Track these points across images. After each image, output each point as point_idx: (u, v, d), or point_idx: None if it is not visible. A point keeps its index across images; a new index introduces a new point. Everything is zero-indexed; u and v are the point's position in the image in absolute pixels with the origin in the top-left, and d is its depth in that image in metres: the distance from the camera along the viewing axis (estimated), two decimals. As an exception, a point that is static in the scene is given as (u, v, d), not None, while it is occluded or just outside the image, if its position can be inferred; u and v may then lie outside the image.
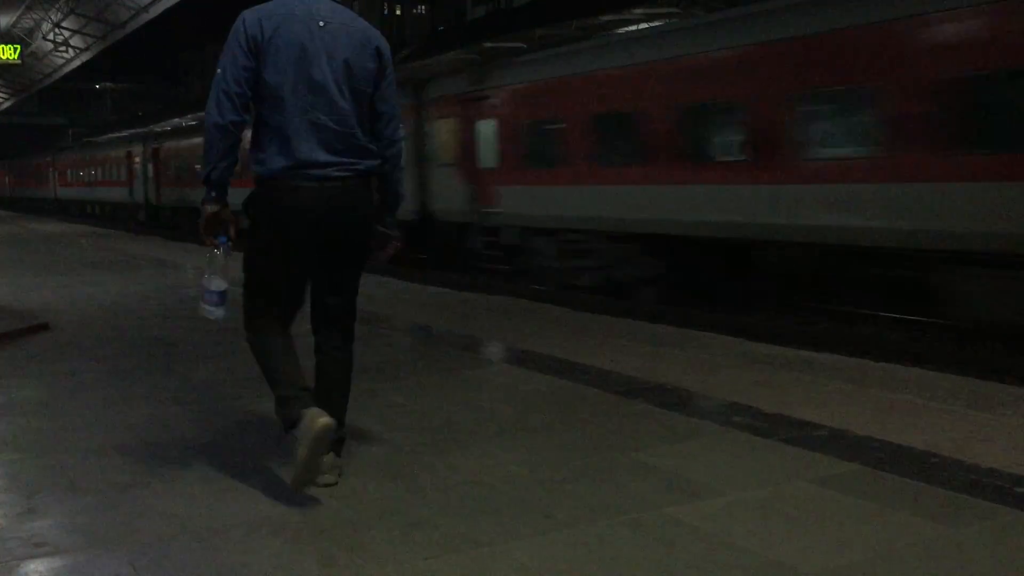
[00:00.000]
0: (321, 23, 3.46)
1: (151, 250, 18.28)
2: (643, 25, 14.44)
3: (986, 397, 4.70)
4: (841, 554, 2.84)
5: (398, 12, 28.95)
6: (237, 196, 3.33)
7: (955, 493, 3.34)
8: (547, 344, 6.51)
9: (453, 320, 7.83)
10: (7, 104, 53.66)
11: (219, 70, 3.45)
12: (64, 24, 32.88)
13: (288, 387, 3.43)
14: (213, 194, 3.50)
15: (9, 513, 3.31)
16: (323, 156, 3.44)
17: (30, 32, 34.33)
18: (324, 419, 3.28)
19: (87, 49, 34.58)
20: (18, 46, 23.39)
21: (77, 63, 36.90)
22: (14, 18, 31.36)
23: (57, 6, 30.79)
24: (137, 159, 34.39)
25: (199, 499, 3.43)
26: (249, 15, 3.45)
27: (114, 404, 5.02)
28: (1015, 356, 8.54)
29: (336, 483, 3.53)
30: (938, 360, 8.26)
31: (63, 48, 35.16)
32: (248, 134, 3.51)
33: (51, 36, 33.78)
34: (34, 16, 32.50)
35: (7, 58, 22.63)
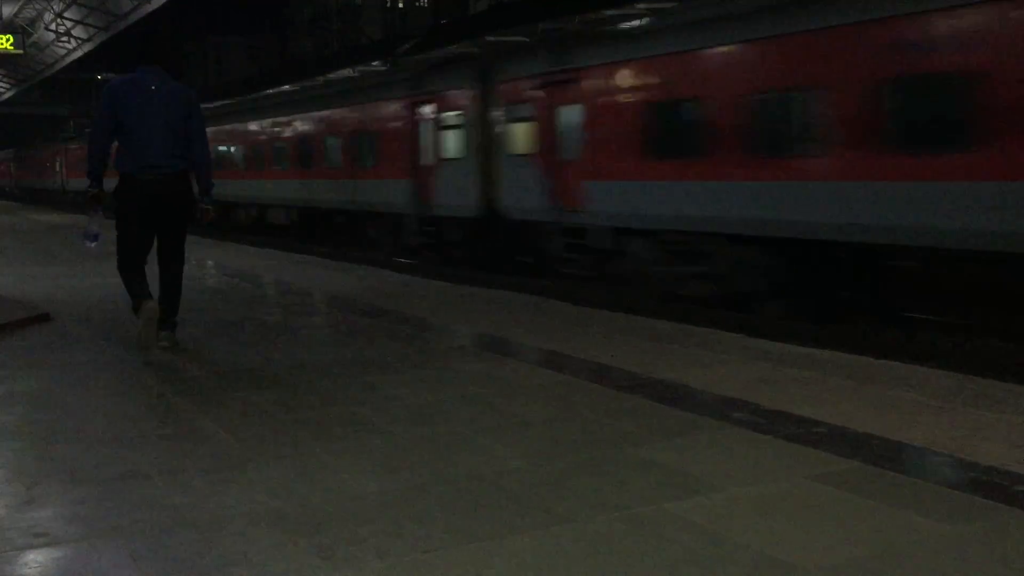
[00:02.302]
0: (152, 87, 6.10)
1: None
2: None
3: (986, 395, 4.70)
4: (840, 551, 2.84)
5: (400, 5, 28.89)
6: None
7: (954, 490, 3.34)
8: (547, 339, 6.51)
9: (454, 314, 7.83)
10: (9, 94, 53.59)
11: (97, 116, 6.19)
12: (66, 15, 32.83)
13: (137, 293, 6.08)
14: (94, 183, 6.14)
15: (9, 503, 3.32)
16: (154, 163, 6.02)
17: (32, 22, 34.28)
18: (151, 304, 6.01)
19: (89, 40, 34.53)
20: (10, 36, 23.31)
21: (79, 54, 36.85)
22: (16, 8, 31.32)
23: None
24: None
25: (199, 490, 3.43)
26: (112, 84, 6.18)
27: (114, 395, 5.03)
28: (1015, 354, 8.54)
29: (170, 347, 6.19)
30: (938, 357, 8.26)
31: (65, 39, 35.11)
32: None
33: (53, 26, 33.73)
34: (36, 6, 32.46)
35: (5, 48, 22.64)
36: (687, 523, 3.06)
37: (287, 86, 25.87)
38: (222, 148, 26.51)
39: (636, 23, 12.69)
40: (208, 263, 13.18)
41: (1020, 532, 2.97)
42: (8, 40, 23.12)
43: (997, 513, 3.12)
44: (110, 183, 5.97)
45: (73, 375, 5.57)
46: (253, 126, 25.18)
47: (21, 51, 25.04)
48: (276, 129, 23.67)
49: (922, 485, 3.42)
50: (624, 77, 12.36)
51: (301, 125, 22.16)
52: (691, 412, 4.50)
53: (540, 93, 13.67)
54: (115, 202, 6.13)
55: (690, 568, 2.73)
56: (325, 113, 20.96)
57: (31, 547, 2.93)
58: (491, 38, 16.58)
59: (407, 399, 4.84)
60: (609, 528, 3.03)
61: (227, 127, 26.41)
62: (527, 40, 15.39)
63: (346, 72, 22.46)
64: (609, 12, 13.26)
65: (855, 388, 4.90)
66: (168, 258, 6.31)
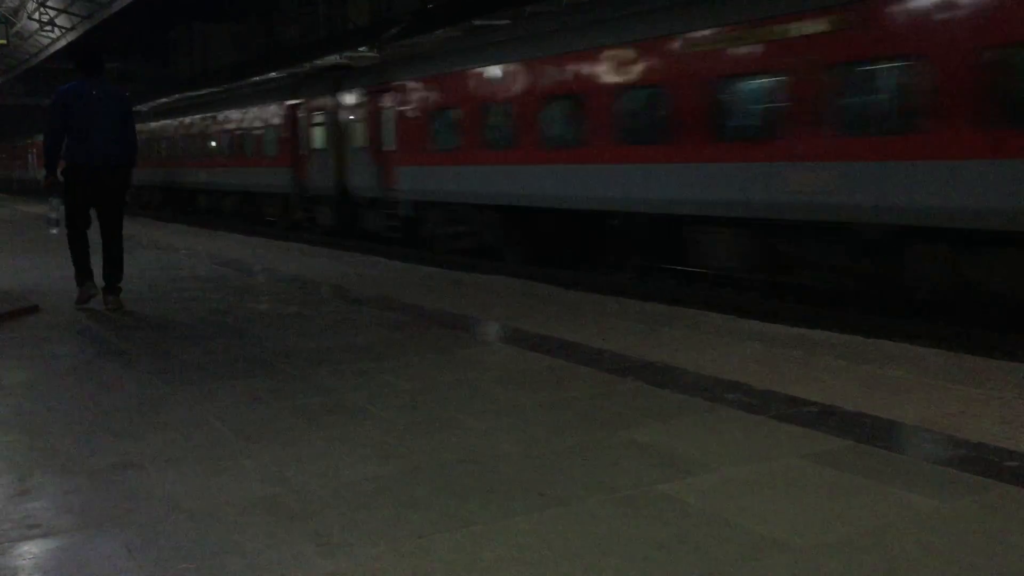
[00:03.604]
0: (94, 92, 7.47)
1: (143, 231, 18.20)
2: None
3: (975, 372, 4.72)
4: (832, 529, 2.86)
5: (387, -11, 28.85)
6: None
7: (945, 467, 3.36)
8: (539, 323, 6.52)
9: (445, 300, 7.83)
10: (-7, 85, 53.15)
11: (49, 118, 7.42)
12: (50, 3, 32.54)
13: (81, 277, 7.77)
14: (47, 172, 7.66)
15: (2, 495, 3.31)
16: (98, 154, 7.43)
17: (15, 12, 33.97)
18: (91, 290, 7.75)
19: (73, 29, 34.24)
20: None
21: (63, 43, 36.54)
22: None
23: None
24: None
25: (192, 479, 3.43)
26: (60, 91, 7.52)
27: (106, 385, 5.01)
28: (1003, 331, 8.58)
29: (121, 308, 7.61)
30: (928, 336, 8.30)
31: (49, 28, 34.82)
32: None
33: (36, 16, 33.44)
34: (19, -5, 32.17)
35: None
36: (680, 504, 3.07)
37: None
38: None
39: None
40: (198, 252, 13.13)
41: (1011, 507, 2.99)
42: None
43: (988, 489, 3.14)
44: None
45: (63, 366, 5.55)
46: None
47: (4, 41, 24.89)
48: None
49: (913, 463, 3.44)
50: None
51: None
52: (683, 394, 4.51)
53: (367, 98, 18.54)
54: (63, 185, 7.62)
55: (684, 548, 2.74)
56: None
57: (25, 538, 2.92)
58: (478, 22, 16.51)
59: (400, 385, 4.84)
60: (603, 510, 3.04)
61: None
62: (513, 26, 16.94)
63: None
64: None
65: (846, 367, 4.92)
66: (110, 234, 7.71)
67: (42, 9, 32.82)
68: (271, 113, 22.67)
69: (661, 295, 10.50)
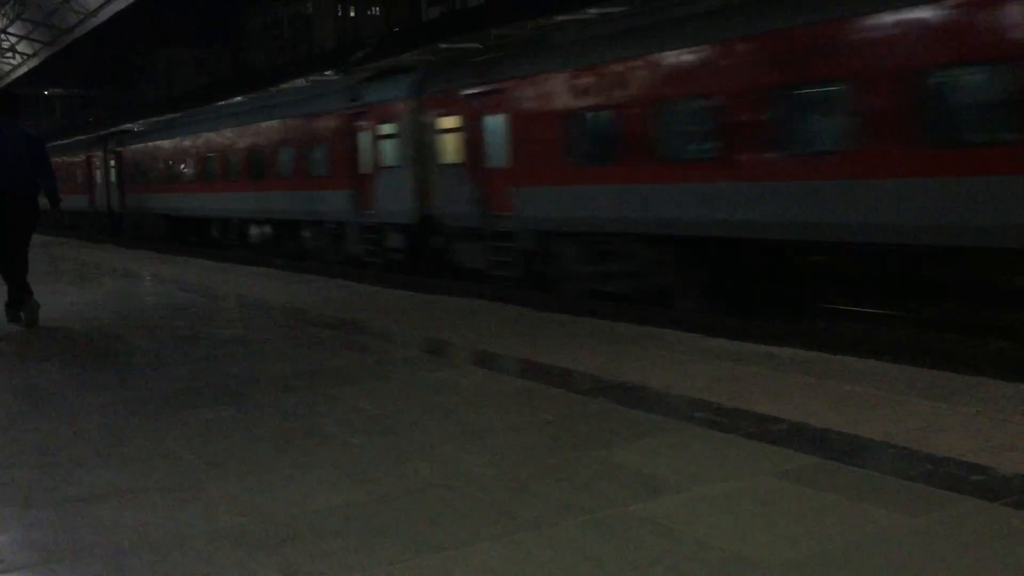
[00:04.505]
0: (6, 133, 8.36)
1: (107, 258, 18.02)
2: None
3: (941, 387, 4.77)
4: (803, 546, 2.87)
5: (352, 14, 28.92)
6: None
7: (913, 483, 3.39)
8: (509, 345, 6.51)
9: (415, 322, 7.80)
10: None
11: None
12: (10, 30, 32.27)
13: (13, 298, 8.51)
14: None
15: (-38, 531, 3.24)
16: (10, 186, 8.32)
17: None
18: (30, 315, 8.39)
19: (34, 55, 33.97)
20: None
21: (24, 69, 36.24)
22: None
23: (2, 12, 30.21)
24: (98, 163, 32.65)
25: (158, 510, 3.38)
26: None
27: (69, 416, 4.93)
28: (969, 346, 8.70)
29: (40, 305, 8.50)
30: (894, 352, 8.39)
31: (9, 54, 34.51)
32: None
33: (-3, 42, 33.17)
34: (-21, 22, 31.87)
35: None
36: (652, 524, 3.07)
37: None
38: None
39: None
40: (163, 278, 13.01)
41: (977, 521, 3.02)
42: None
43: (954, 503, 3.17)
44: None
45: (25, 398, 5.46)
46: None
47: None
48: None
49: (881, 478, 3.46)
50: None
51: None
52: (653, 413, 4.52)
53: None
54: None
55: (656, 569, 2.74)
56: None
57: (-14, 575, 2.86)
58: (444, 45, 16.59)
59: (369, 410, 4.81)
60: (575, 532, 3.03)
61: None
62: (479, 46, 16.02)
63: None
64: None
65: (814, 384, 4.96)
66: (17, 251, 8.57)
67: (3, 36, 32.53)
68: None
69: (631, 316, 10.55)
